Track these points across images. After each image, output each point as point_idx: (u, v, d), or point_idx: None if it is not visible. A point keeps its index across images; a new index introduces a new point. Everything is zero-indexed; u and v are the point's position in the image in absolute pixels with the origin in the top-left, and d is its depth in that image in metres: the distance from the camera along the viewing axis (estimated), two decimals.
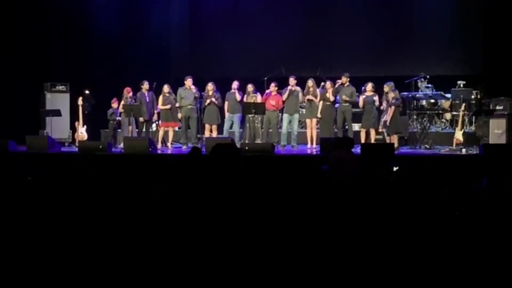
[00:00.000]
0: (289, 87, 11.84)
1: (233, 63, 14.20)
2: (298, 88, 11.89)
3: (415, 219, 3.67)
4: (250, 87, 12.02)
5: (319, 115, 11.69)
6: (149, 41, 14.22)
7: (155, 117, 12.31)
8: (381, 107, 11.28)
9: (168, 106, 11.98)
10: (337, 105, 11.83)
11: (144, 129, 12.12)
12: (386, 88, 11.22)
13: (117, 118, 12.40)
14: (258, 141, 11.65)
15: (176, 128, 12.50)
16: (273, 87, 11.82)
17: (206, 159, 4.34)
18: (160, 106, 12.06)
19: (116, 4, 14.17)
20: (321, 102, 11.68)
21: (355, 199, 3.94)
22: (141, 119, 12.00)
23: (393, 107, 11.03)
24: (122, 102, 12.12)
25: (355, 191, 4.06)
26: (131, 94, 12.13)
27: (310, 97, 11.73)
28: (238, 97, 11.90)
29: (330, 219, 3.46)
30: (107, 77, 13.63)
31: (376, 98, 11.34)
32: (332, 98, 11.55)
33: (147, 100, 12.06)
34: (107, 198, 4.32)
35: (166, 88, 12.02)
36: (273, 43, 14.20)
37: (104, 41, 13.91)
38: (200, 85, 12.10)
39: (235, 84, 12.05)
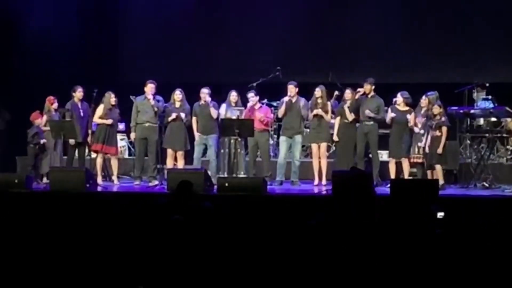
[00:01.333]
0: (286, 98, 11.78)
1: (209, 63, 14.28)
2: (301, 99, 11.81)
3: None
4: (233, 97, 11.97)
5: (336, 138, 11.76)
6: (91, 32, 14.41)
7: (89, 138, 12.25)
8: (416, 129, 11.29)
9: (110, 121, 11.88)
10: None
11: (77, 156, 12.01)
12: (426, 100, 11.27)
13: (41, 140, 12.22)
14: (242, 174, 11.59)
15: (126, 155, 12.38)
16: (253, 97, 11.97)
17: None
18: (96, 119, 11.95)
19: None
20: (337, 119, 11.74)
21: (381, 256, 3.88)
22: (72, 141, 11.88)
23: (444, 129, 11.09)
24: (45, 118, 12.11)
25: (380, 244, 4.00)
26: (56, 105, 12.15)
27: (318, 111, 11.66)
28: (214, 112, 11.84)
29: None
30: (29, 82, 13.56)
31: (410, 116, 11.32)
32: (350, 117, 11.53)
33: (81, 114, 12.04)
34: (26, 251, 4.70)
35: (113, 98, 11.91)
36: (266, 36, 14.26)
37: (24, 32, 13.88)
38: (164, 93, 12.03)
39: (204, 94, 11.83)
